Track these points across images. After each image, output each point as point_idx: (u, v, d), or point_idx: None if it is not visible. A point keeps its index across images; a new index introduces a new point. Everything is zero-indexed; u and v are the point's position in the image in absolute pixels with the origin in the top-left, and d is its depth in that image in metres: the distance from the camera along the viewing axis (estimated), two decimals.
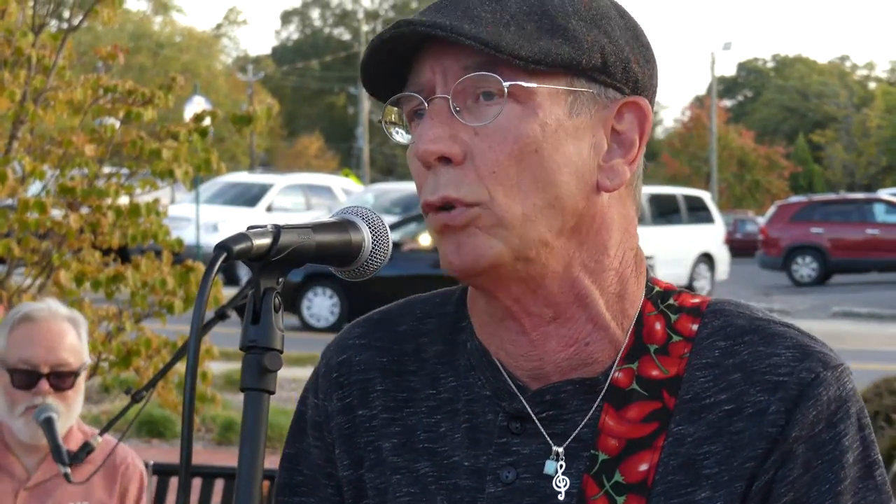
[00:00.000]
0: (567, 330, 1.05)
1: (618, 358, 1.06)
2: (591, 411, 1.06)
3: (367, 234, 0.98)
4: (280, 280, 0.95)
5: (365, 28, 53.19)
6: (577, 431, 1.06)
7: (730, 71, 55.54)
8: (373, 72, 1.05)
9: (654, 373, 1.06)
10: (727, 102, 49.67)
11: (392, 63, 1.03)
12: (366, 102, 36.89)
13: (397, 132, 1.09)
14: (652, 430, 1.04)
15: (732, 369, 1.05)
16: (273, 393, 0.93)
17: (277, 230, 0.92)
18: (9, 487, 3.34)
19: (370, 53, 1.03)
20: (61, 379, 3.21)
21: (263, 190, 23.53)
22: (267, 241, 0.90)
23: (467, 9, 1.00)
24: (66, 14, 5.61)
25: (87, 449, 3.16)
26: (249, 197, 22.67)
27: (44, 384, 3.18)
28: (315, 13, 68.18)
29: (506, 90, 0.96)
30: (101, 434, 3.28)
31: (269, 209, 22.29)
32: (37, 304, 3.56)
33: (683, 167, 43.55)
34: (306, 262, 0.99)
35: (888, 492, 1.08)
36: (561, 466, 1.05)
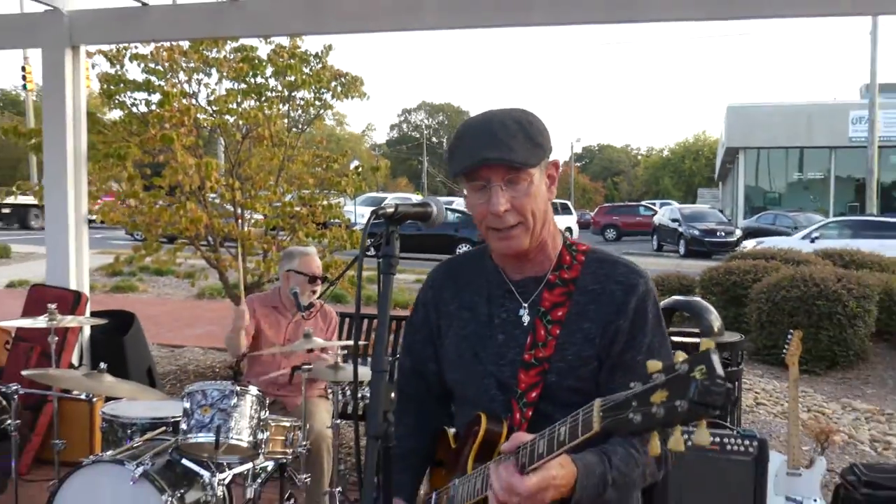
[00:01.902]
0: (534, 257, 1.77)
1: (550, 268, 1.77)
2: (539, 289, 1.77)
3: (435, 209, 1.74)
4: (398, 227, 1.63)
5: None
6: (531, 298, 1.78)
7: (578, 149, 78.48)
8: (456, 163, 1.72)
9: (566, 275, 1.76)
10: (578, 164, 75.22)
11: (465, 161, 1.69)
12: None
13: (464, 190, 1.77)
14: (564, 299, 1.75)
15: (601, 275, 1.75)
16: (394, 275, 1.59)
17: (397, 206, 1.68)
18: (284, 321, 4.68)
19: (459, 159, 1.71)
20: (314, 282, 4.61)
21: (383, 199, 28.85)
22: (392, 209, 1.64)
23: (502, 140, 1.66)
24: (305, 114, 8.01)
25: (312, 305, 4.59)
26: (377, 201, 28.30)
27: (316, 283, 4.61)
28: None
29: (523, 177, 1.68)
30: (319, 298, 4.65)
31: None
32: (303, 247, 4.98)
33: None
34: (409, 220, 1.69)
35: (667, 336, 1.78)
36: (524, 311, 1.79)
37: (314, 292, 4.59)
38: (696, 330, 5.23)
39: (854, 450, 6.19)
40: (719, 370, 1.18)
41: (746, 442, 3.90)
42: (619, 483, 1.60)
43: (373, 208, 1.63)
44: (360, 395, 4.41)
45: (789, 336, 4.64)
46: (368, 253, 1.63)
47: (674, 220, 28.25)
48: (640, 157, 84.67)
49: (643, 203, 42.64)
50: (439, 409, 1.95)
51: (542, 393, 1.72)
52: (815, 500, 4.22)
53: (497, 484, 1.50)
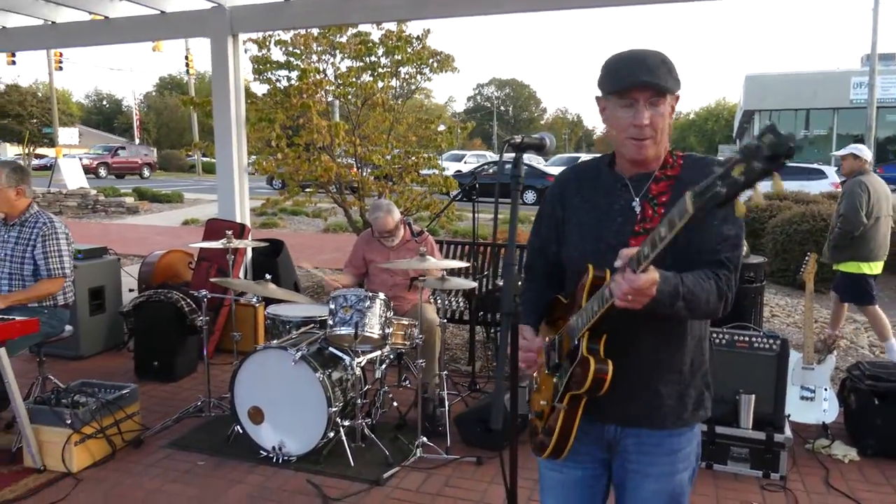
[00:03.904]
0: (650, 162, 1.79)
1: (657, 167, 1.80)
2: (648, 183, 1.80)
3: (548, 141, 1.85)
4: (523, 154, 1.77)
5: None
6: (642, 190, 1.80)
7: None
8: (614, 82, 1.72)
9: (669, 172, 1.79)
10: None
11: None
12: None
13: (605, 108, 1.77)
14: (667, 189, 1.78)
15: (695, 168, 1.76)
16: (520, 190, 1.72)
17: (522, 137, 1.78)
18: (382, 248, 4.62)
19: (617, 79, 1.72)
20: (385, 235, 4.54)
21: (463, 155, 28.92)
22: (518, 140, 1.76)
23: (653, 69, 1.69)
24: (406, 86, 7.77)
25: (422, 232, 4.71)
26: (458, 157, 27.84)
27: (388, 235, 4.53)
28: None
29: (662, 101, 1.71)
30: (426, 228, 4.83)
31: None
32: (378, 207, 4.62)
33: None
34: (530, 149, 1.81)
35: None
36: (636, 203, 1.79)
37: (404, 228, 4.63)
38: None
39: (855, 353, 6.00)
40: (782, 131, 1.17)
41: (771, 341, 3.82)
42: (687, 298, 1.61)
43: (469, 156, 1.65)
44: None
45: (807, 257, 4.50)
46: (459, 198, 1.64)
47: None
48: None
49: None
50: (554, 280, 1.97)
51: None
52: (826, 389, 4.14)
53: (617, 288, 1.52)
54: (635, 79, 1.69)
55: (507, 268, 1.53)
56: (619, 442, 1.86)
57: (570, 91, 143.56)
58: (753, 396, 3.69)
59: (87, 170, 26.55)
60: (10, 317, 3.61)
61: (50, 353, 4.66)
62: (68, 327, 4.27)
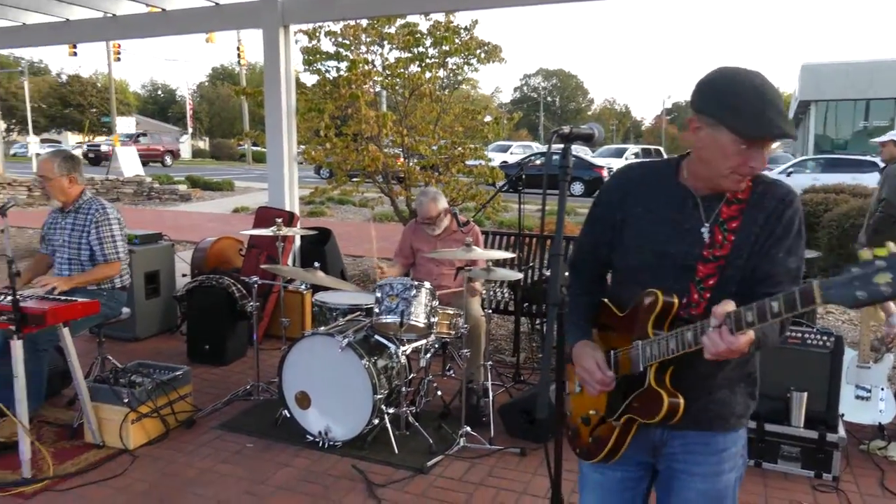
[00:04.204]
0: (744, 184, 1.70)
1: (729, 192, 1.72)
2: (719, 205, 1.73)
3: (597, 132, 1.77)
4: (571, 145, 1.70)
5: None
6: (713, 213, 1.73)
7: (669, 104, 71.20)
8: (751, 128, 1.58)
9: (740, 196, 1.72)
10: (668, 116, 68.98)
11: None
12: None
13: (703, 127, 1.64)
14: (738, 213, 1.72)
15: (766, 194, 1.72)
16: (568, 182, 1.70)
17: (571, 128, 1.72)
18: (432, 238, 4.65)
19: (749, 119, 1.57)
20: (430, 222, 4.56)
21: (509, 146, 28.96)
22: (567, 130, 1.71)
23: (784, 114, 1.58)
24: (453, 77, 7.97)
25: (468, 222, 4.65)
26: (504, 148, 27.99)
27: (433, 222, 4.55)
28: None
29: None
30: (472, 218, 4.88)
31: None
32: (424, 194, 4.66)
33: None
34: (579, 140, 1.74)
35: (803, 241, 1.73)
36: (706, 228, 1.73)
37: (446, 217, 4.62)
38: None
39: None
40: None
41: (824, 337, 3.72)
42: (762, 343, 1.61)
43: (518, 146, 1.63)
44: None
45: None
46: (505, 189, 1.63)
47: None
48: None
49: None
50: (602, 281, 1.95)
51: (717, 281, 1.71)
52: (883, 389, 4.01)
53: (713, 346, 1.51)
54: (775, 130, 1.59)
55: (554, 258, 1.53)
56: (666, 444, 1.84)
57: (619, 81, 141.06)
58: (805, 394, 3.60)
59: (107, 157, 26.13)
60: (73, 298, 3.76)
61: (108, 335, 4.82)
62: (125, 309, 4.42)
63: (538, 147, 31.32)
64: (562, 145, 1.64)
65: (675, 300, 1.68)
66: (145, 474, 3.55)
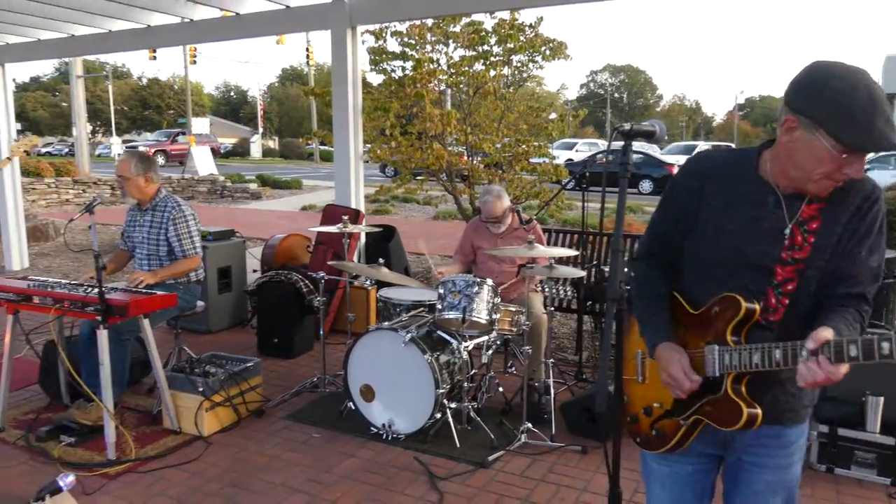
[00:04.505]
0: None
1: None
2: (801, 205, 1.67)
3: (658, 129, 1.71)
4: (632, 142, 1.67)
5: None
6: (795, 213, 1.67)
7: (741, 99, 69.02)
8: (858, 138, 1.48)
9: (822, 194, 1.63)
10: (740, 112, 65.14)
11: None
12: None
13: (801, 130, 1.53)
14: (818, 214, 1.66)
15: (849, 190, 1.64)
16: (628, 178, 1.65)
17: (632, 125, 1.67)
18: (493, 235, 4.67)
19: (858, 128, 1.47)
20: (494, 221, 4.63)
21: (574, 143, 28.96)
22: (628, 127, 1.67)
23: (890, 123, 1.47)
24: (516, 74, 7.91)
25: (531, 220, 4.59)
26: (570, 145, 28.00)
27: (496, 221, 4.63)
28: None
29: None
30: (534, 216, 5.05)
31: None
32: (487, 193, 4.72)
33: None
34: (640, 136, 1.70)
35: (884, 239, 1.68)
36: (788, 229, 1.68)
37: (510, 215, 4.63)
38: None
39: None
40: None
41: None
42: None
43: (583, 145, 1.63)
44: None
45: None
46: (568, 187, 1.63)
47: None
48: None
49: None
50: (672, 270, 1.88)
51: (797, 285, 1.68)
52: None
53: (811, 375, 1.49)
54: (884, 143, 1.50)
55: (614, 254, 1.54)
56: (735, 438, 1.83)
57: (689, 76, 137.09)
58: (882, 399, 3.46)
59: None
60: (153, 291, 3.96)
61: (183, 327, 5.04)
62: (200, 303, 4.62)
63: (604, 144, 30.94)
64: (622, 143, 1.63)
65: (757, 307, 1.65)
66: (218, 460, 3.71)
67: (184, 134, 35.47)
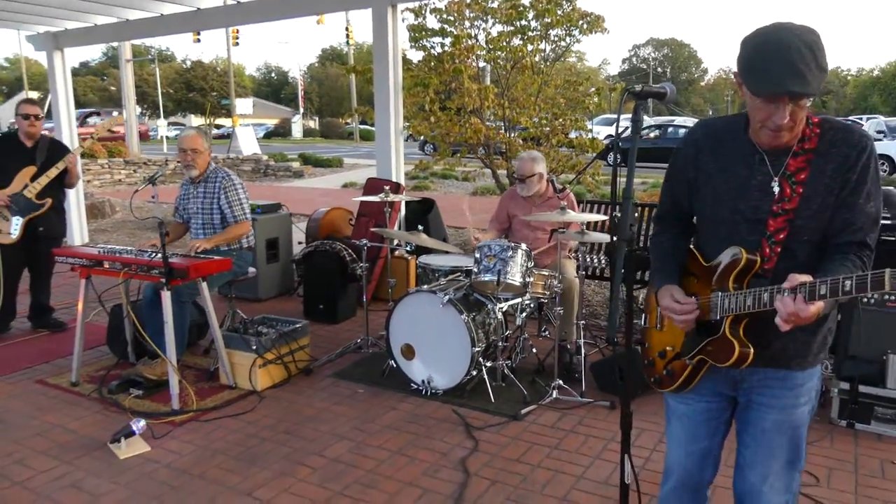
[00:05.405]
0: (786, 137, 1.76)
1: (795, 142, 1.79)
2: (786, 158, 1.79)
3: (668, 90, 1.86)
4: (644, 101, 1.82)
5: None
6: (781, 167, 1.79)
7: None
8: (759, 85, 1.64)
9: (806, 146, 1.77)
10: None
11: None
12: None
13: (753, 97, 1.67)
14: (805, 165, 1.77)
15: (836, 140, 1.76)
16: (640, 137, 1.84)
17: (643, 86, 1.85)
18: (528, 204, 4.80)
19: (763, 84, 1.63)
20: (522, 180, 4.72)
21: (614, 119, 27.98)
22: (639, 88, 1.85)
23: (802, 72, 1.58)
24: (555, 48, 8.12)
25: (564, 188, 4.72)
26: (611, 121, 27.21)
27: (525, 180, 4.72)
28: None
29: (806, 99, 1.64)
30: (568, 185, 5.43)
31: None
32: (521, 155, 5.03)
33: None
34: (650, 97, 1.84)
35: (880, 185, 1.79)
36: (775, 181, 1.80)
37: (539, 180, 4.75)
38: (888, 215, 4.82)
39: None
40: None
41: None
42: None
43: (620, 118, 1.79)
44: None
45: None
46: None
47: (879, 132, 24.79)
48: (849, 78, 69.03)
49: (850, 118, 37.47)
50: (688, 228, 2.09)
51: (787, 235, 1.80)
52: None
53: (783, 309, 1.65)
54: (782, 88, 1.62)
55: (625, 201, 1.73)
56: (745, 379, 2.01)
57: (735, 49, 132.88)
58: None
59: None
60: (210, 256, 4.28)
61: (235, 295, 5.39)
62: (252, 269, 4.94)
63: (647, 120, 30.59)
64: (635, 104, 1.80)
65: (758, 258, 1.81)
66: (271, 411, 4.03)
67: (98, 114, 29.91)
